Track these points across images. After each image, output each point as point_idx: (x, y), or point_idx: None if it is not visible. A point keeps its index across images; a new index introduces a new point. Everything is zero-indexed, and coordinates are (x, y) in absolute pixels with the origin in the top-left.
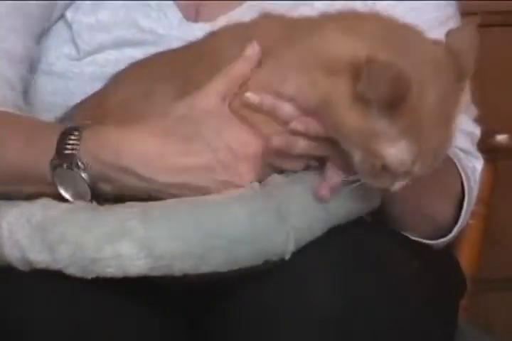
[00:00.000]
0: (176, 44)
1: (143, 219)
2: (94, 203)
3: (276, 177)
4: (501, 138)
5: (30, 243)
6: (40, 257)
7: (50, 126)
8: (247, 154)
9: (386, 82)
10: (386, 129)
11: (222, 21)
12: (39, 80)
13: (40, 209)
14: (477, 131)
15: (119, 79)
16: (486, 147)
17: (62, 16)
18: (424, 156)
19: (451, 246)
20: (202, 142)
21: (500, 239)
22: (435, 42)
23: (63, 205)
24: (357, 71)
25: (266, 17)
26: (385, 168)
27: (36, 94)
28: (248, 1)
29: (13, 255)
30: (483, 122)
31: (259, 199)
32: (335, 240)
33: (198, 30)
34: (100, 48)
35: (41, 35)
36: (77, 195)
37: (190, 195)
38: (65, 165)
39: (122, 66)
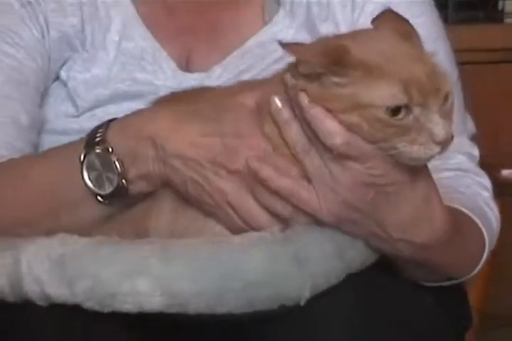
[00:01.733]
0: None
1: (162, 258)
2: (115, 237)
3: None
4: (507, 173)
5: (49, 277)
6: (59, 291)
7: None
8: (249, 145)
9: (318, 52)
10: (356, 83)
11: (217, 71)
12: (40, 138)
13: (60, 244)
14: (475, 151)
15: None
16: (492, 182)
17: (57, 77)
18: (412, 83)
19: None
20: (217, 125)
21: (508, 276)
22: None
23: (82, 240)
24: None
25: None
26: (392, 115)
27: (39, 151)
28: (238, 49)
29: (32, 290)
30: (489, 157)
31: (278, 244)
32: (347, 282)
33: (193, 80)
34: (98, 103)
35: (42, 98)
36: (101, 184)
37: (192, 174)
38: (96, 150)
39: None
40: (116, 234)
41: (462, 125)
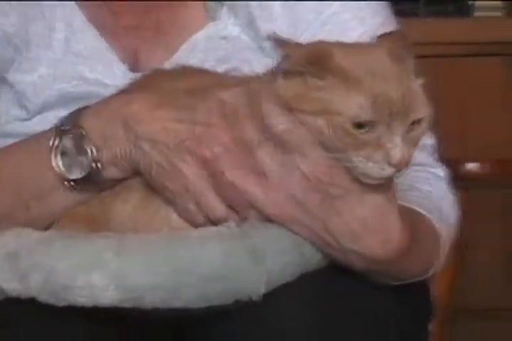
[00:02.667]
0: None
1: (118, 251)
2: (70, 231)
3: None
4: (472, 166)
5: (1, 271)
6: (12, 285)
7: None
8: (216, 135)
9: (303, 51)
10: (331, 88)
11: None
12: None
13: (13, 238)
14: (429, 140)
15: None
16: (457, 175)
17: (5, 80)
18: (383, 101)
19: None
20: (191, 114)
21: (472, 270)
22: None
23: (36, 234)
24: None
25: None
26: (356, 127)
27: None
28: (183, 44)
29: None
30: (454, 151)
31: (236, 239)
32: (306, 278)
33: None
34: (47, 106)
35: None
36: (72, 170)
37: (159, 157)
38: (68, 134)
39: None
40: (82, 217)
41: None
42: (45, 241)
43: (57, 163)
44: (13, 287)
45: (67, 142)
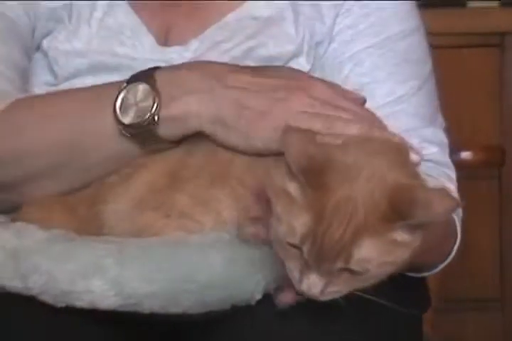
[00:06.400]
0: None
1: (118, 258)
2: (71, 234)
3: None
4: (465, 155)
5: (2, 269)
6: (13, 284)
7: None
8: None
9: (302, 163)
10: (296, 194)
11: (194, 44)
12: None
13: (15, 237)
14: (446, 140)
15: None
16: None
17: (39, 48)
18: (315, 240)
19: None
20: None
21: (464, 260)
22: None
23: (39, 234)
24: None
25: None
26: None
27: None
28: (216, 23)
29: None
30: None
31: (236, 246)
32: None
33: (171, 54)
34: (77, 73)
35: (28, 53)
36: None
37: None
38: (139, 81)
39: None
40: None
41: (434, 116)
42: (45, 242)
43: (118, 105)
44: (14, 285)
45: (136, 88)
